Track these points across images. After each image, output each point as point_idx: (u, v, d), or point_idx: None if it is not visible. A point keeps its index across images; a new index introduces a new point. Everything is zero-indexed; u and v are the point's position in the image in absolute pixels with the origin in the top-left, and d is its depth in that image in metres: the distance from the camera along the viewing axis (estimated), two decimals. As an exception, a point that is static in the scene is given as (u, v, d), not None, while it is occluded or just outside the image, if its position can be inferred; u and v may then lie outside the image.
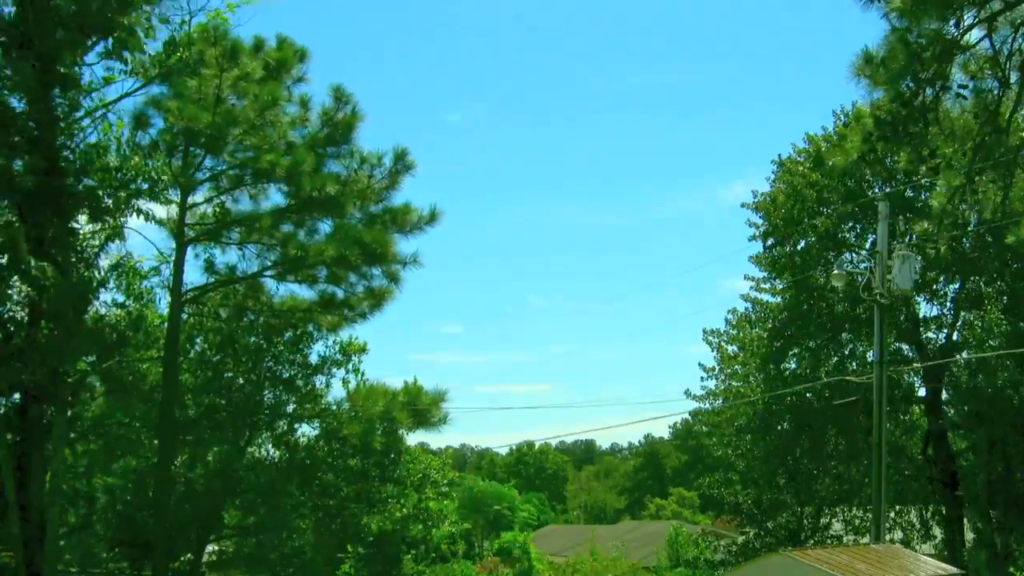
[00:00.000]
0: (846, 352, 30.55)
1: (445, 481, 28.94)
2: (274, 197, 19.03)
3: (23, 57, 15.03)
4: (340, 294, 20.07)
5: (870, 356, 26.15)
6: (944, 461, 28.62)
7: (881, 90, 8.96)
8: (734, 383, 32.51)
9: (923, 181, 25.19)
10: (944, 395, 29.32)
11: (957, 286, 29.21)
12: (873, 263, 22.54)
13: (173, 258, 18.80)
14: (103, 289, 18.12)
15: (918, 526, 29.98)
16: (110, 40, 15.77)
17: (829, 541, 29.35)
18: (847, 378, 27.31)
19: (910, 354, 29.99)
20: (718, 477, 33.65)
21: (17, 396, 16.32)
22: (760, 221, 30.97)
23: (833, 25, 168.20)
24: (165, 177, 17.80)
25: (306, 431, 23.38)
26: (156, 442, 19.15)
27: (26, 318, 15.90)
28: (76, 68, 15.82)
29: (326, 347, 23.25)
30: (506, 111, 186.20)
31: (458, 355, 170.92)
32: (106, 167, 16.54)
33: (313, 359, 22.92)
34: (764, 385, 30.23)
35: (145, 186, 17.13)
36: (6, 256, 15.16)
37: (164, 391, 18.42)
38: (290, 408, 22.40)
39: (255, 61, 18.04)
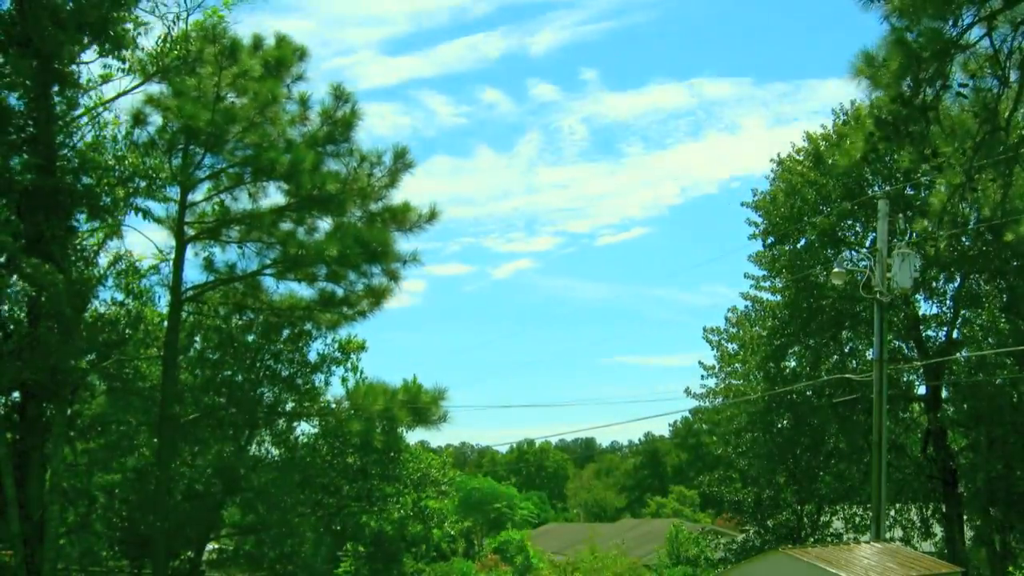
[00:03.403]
0: (846, 350, 30.58)
1: (445, 480, 28.94)
2: (274, 195, 19.00)
3: (21, 55, 15.03)
4: (339, 292, 20.05)
5: (870, 354, 26.16)
6: (944, 459, 28.63)
7: (881, 90, 8.96)
8: (734, 381, 32.52)
9: (923, 179, 25.19)
10: (944, 393, 29.33)
11: (957, 284, 29.22)
12: (873, 261, 22.54)
13: (172, 256, 18.74)
14: (102, 287, 18.15)
15: (918, 524, 30.00)
16: (106, 38, 15.75)
17: (829, 539, 29.37)
18: (847, 376, 27.33)
19: (910, 352, 30.00)
20: (718, 475, 33.67)
21: (17, 394, 16.32)
22: (760, 220, 30.97)
23: (833, 23, 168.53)
24: (164, 175, 17.78)
25: (306, 429, 23.39)
26: (156, 440, 19.13)
27: (25, 317, 15.90)
28: (74, 66, 15.81)
29: (325, 345, 23.25)
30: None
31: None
32: (104, 165, 16.53)
33: (312, 357, 22.91)
34: (764, 383, 30.24)
35: (143, 184, 17.13)
36: (5, 255, 15.16)
37: (163, 389, 18.38)
38: (289, 406, 22.37)
39: (254, 59, 18.00)
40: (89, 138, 17.01)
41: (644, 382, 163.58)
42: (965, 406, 28.34)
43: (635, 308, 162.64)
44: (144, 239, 19.88)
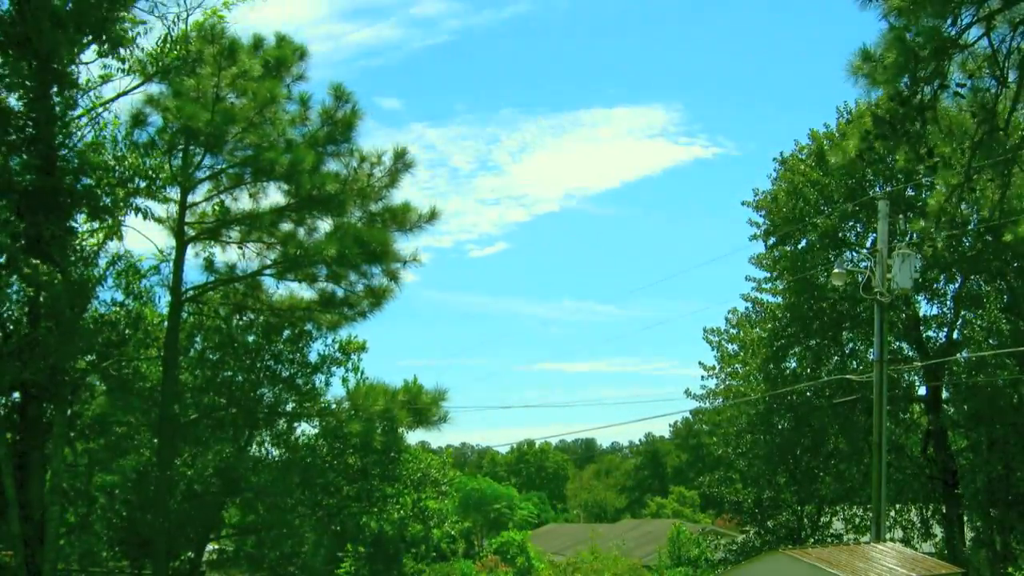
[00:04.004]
0: (846, 351, 30.59)
1: (445, 480, 28.92)
2: (274, 195, 19.00)
3: (21, 55, 15.03)
4: (340, 293, 20.05)
5: (870, 355, 26.17)
6: (944, 460, 28.63)
7: (879, 89, 8.96)
8: (735, 382, 32.53)
9: (924, 180, 25.20)
10: (944, 394, 29.33)
11: (957, 285, 29.22)
12: (873, 262, 22.54)
13: (172, 257, 18.76)
14: (102, 288, 18.14)
15: (918, 525, 29.99)
16: (106, 38, 15.76)
17: (829, 540, 29.36)
18: (847, 377, 27.32)
19: (910, 353, 30.00)
20: (719, 476, 33.65)
21: (17, 395, 16.31)
22: (761, 220, 30.98)
23: (832, 24, 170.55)
24: (163, 175, 17.78)
25: (306, 430, 23.38)
26: (156, 441, 19.13)
27: (25, 317, 15.89)
28: (73, 66, 15.81)
29: (326, 346, 23.24)
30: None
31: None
32: (104, 166, 16.53)
33: (313, 358, 22.90)
34: (765, 384, 30.24)
35: (143, 184, 17.13)
36: (5, 255, 15.16)
37: (164, 390, 18.39)
38: (290, 407, 22.36)
39: (254, 59, 17.99)
40: (89, 138, 17.02)
41: (565, 387, 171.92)
42: (965, 407, 28.34)
43: (531, 316, 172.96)
44: (144, 239, 19.90)
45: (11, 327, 15.79)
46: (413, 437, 30.81)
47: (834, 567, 13.87)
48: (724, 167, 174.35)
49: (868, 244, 28.72)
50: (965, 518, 28.88)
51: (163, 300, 19.70)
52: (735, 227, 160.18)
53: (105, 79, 16.87)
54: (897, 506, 30.00)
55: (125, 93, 17.18)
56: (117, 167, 16.78)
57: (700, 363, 32.84)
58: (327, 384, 23.07)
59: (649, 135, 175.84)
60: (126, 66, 16.79)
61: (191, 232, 19.00)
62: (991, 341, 27.57)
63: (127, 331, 18.32)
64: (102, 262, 18.03)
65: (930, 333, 30.19)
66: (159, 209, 18.27)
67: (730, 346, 32.56)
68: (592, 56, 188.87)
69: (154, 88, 17.42)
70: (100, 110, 17.09)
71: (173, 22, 17.29)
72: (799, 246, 30.00)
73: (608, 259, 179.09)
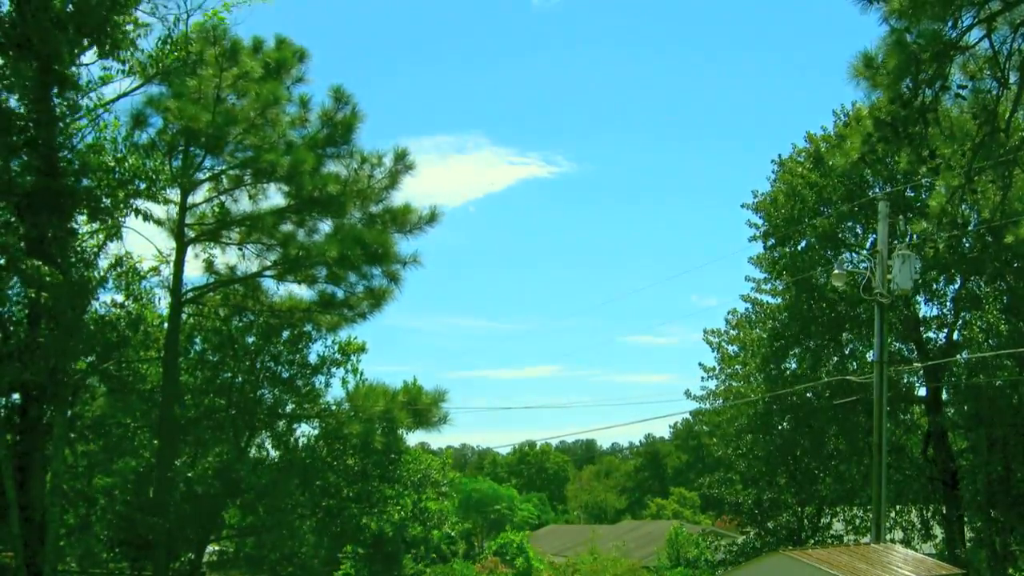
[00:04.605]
0: (846, 352, 30.58)
1: (445, 481, 28.91)
2: (274, 197, 19.01)
3: (21, 57, 15.04)
4: (340, 294, 20.06)
5: (870, 356, 26.17)
6: (944, 461, 28.63)
7: (880, 92, 8.97)
8: (734, 383, 32.54)
9: (923, 181, 25.20)
10: (944, 395, 29.32)
11: (957, 286, 29.22)
12: (873, 263, 22.55)
13: (173, 258, 18.76)
14: (102, 289, 18.12)
15: (918, 526, 29.99)
16: (106, 40, 15.77)
17: (830, 541, 29.36)
18: (847, 378, 27.31)
19: (910, 354, 30.00)
20: (719, 477, 33.67)
21: (17, 396, 16.31)
22: (760, 221, 30.98)
23: (832, 26, 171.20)
24: (164, 177, 17.78)
25: (306, 431, 23.38)
26: (156, 442, 19.14)
27: (25, 318, 15.90)
28: (74, 68, 15.82)
29: (325, 347, 23.24)
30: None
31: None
32: (104, 167, 16.54)
33: (312, 359, 22.90)
34: (765, 385, 30.24)
35: (144, 186, 17.13)
36: (5, 256, 15.17)
37: (164, 391, 18.40)
38: (289, 408, 22.36)
39: (254, 61, 18.00)
40: (89, 140, 17.03)
41: (505, 393, 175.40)
42: (965, 408, 28.33)
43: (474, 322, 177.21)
44: (144, 241, 19.91)
45: (11, 328, 15.79)
46: (413, 438, 30.80)
47: (834, 568, 13.88)
48: (568, 184, 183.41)
49: (868, 245, 28.72)
50: (965, 519, 28.87)
51: (163, 301, 19.70)
52: (586, 238, 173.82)
53: (105, 80, 16.89)
54: (897, 507, 30.00)
55: (126, 94, 17.20)
56: (117, 168, 16.78)
57: (700, 364, 32.91)
58: (327, 385, 23.09)
59: (484, 159, 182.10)
60: (126, 67, 16.80)
61: (191, 233, 19.01)
62: (991, 342, 27.57)
63: (127, 332, 18.31)
64: (102, 263, 18.03)
65: (930, 334, 30.19)
66: (159, 210, 18.28)
67: (730, 347, 32.58)
68: (390, 88, 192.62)
69: (154, 89, 17.43)
70: (100, 111, 17.11)
71: (173, 23, 17.31)
72: (798, 247, 30.01)
73: (477, 275, 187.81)
